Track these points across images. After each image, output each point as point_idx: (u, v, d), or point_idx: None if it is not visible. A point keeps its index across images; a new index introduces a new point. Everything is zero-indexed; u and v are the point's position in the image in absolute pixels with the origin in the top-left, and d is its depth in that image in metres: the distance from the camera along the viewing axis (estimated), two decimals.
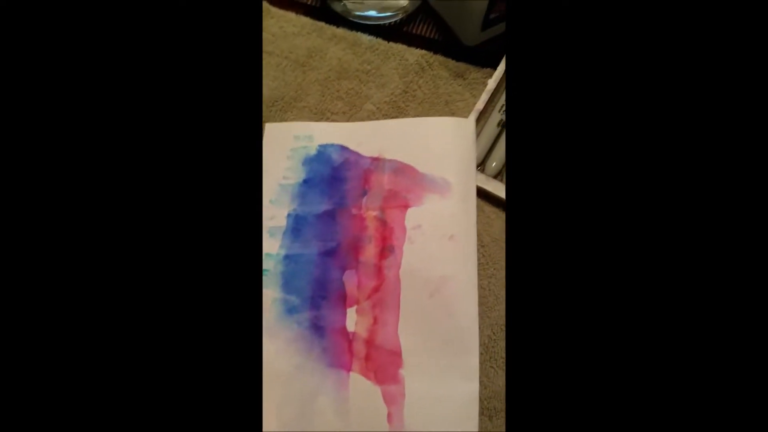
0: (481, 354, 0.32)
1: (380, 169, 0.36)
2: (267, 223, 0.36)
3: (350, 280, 0.34)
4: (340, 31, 0.40)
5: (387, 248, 0.34)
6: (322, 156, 0.37)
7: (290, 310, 0.33)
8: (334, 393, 0.31)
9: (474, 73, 0.38)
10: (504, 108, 0.36)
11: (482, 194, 0.35)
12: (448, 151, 0.35)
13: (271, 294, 0.34)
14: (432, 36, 0.40)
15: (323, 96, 0.39)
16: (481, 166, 0.36)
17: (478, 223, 0.34)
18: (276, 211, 0.36)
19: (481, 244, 0.35)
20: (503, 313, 0.34)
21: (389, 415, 0.30)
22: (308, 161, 0.37)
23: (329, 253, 0.34)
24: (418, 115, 0.38)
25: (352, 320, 0.33)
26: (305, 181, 0.37)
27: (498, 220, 0.35)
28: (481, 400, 0.31)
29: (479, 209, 0.35)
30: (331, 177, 0.36)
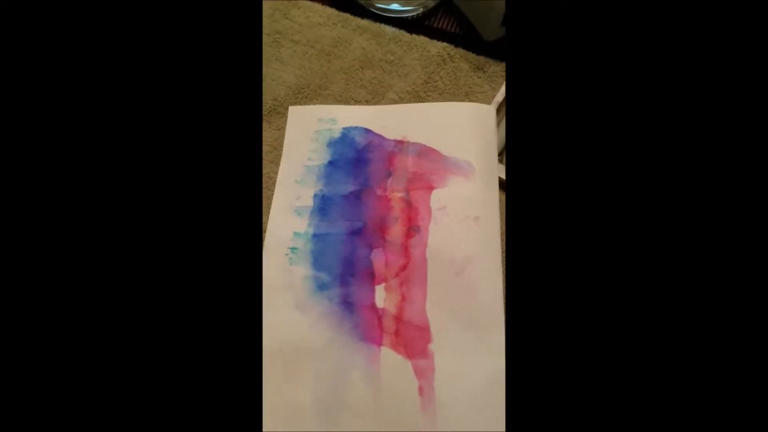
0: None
1: (404, 152, 0.37)
2: (293, 202, 0.36)
3: (378, 259, 0.34)
4: (365, 23, 0.41)
5: (413, 228, 0.35)
6: (346, 138, 0.38)
7: (321, 286, 0.33)
8: (366, 367, 0.31)
9: (493, 66, 0.40)
10: None
11: (501, 184, 0.37)
12: (471, 136, 0.37)
13: (302, 271, 0.34)
14: (453, 30, 0.42)
15: (347, 84, 0.40)
16: (500, 156, 0.38)
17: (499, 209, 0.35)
18: (302, 191, 0.36)
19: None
20: None
21: (420, 388, 0.31)
22: (332, 143, 0.38)
23: (356, 233, 0.35)
24: None
25: (381, 297, 0.33)
26: (330, 163, 0.37)
27: None
28: None
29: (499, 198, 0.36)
30: (356, 159, 0.37)
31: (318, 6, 0.42)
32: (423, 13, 0.41)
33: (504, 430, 0.29)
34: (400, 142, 0.37)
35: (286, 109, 0.40)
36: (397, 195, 0.36)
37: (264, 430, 0.30)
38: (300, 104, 0.40)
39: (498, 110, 0.38)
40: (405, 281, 0.34)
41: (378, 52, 0.41)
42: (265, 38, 0.42)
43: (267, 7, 0.44)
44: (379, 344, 0.32)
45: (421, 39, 0.41)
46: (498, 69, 0.40)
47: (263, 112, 0.40)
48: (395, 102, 0.40)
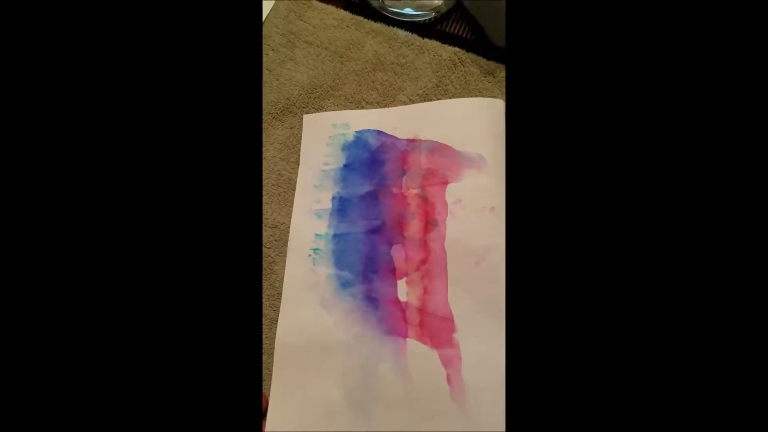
0: None
1: (417, 150, 0.38)
2: (313, 206, 0.37)
3: (398, 254, 0.35)
4: (378, 26, 0.42)
5: (430, 222, 0.36)
6: (359, 141, 0.39)
7: (344, 284, 0.34)
8: (394, 359, 0.32)
9: (503, 71, 0.40)
10: None
11: None
12: (481, 129, 0.38)
13: (325, 270, 0.35)
14: (465, 35, 0.43)
15: (359, 86, 0.41)
16: None
17: None
18: (321, 195, 0.38)
19: None
20: None
21: (448, 377, 0.31)
22: (347, 147, 0.39)
23: (375, 231, 0.36)
24: None
25: (403, 291, 0.34)
26: (346, 166, 0.38)
27: None
28: None
29: None
30: (370, 160, 0.38)
31: (332, 8, 0.43)
32: (435, 17, 0.43)
33: None
34: (412, 141, 0.38)
35: (299, 108, 0.41)
36: (413, 192, 0.37)
37: (298, 426, 0.31)
38: (312, 104, 0.41)
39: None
40: (426, 274, 0.34)
41: (390, 55, 0.42)
42: (279, 39, 0.44)
43: (282, 8, 0.45)
44: (405, 336, 0.33)
45: (433, 43, 0.42)
46: None
47: (276, 111, 0.41)
48: (406, 104, 0.41)
